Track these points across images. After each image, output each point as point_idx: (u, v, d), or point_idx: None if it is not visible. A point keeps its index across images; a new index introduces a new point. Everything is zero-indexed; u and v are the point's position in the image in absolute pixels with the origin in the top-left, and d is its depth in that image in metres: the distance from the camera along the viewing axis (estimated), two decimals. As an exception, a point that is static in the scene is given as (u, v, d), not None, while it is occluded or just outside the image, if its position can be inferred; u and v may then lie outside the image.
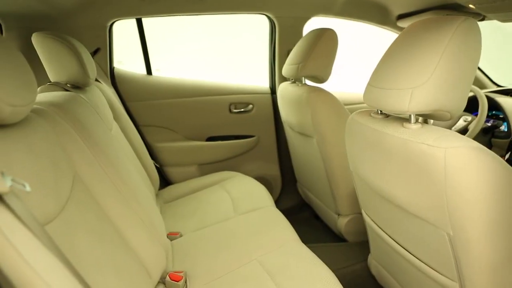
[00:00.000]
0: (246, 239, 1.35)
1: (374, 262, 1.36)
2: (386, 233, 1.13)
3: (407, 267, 1.06)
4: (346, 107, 1.59)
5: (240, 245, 1.32)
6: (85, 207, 0.91)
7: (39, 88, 1.29)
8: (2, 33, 1.51)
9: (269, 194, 1.74)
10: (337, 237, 1.82)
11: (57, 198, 0.79)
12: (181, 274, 1.20)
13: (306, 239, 1.42)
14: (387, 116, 1.01)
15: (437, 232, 0.85)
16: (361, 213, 1.32)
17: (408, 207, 0.90)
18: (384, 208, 1.06)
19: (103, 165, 1.08)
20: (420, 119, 0.93)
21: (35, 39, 1.34)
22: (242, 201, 1.66)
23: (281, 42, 2.08)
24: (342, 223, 1.65)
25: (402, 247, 1.05)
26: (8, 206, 0.54)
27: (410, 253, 1.02)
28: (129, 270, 0.96)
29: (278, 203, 2.31)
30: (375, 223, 1.20)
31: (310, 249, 1.28)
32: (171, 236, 1.49)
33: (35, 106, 0.97)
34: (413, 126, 0.87)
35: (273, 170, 2.29)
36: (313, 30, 1.64)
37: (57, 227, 0.75)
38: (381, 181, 0.98)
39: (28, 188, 0.58)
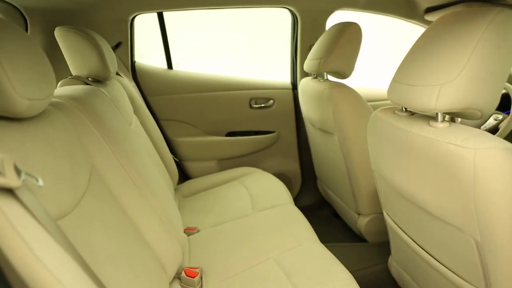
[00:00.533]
0: (263, 236, 1.33)
1: (394, 264, 1.31)
2: (408, 236, 1.09)
3: (430, 272, 1.02)
4: (369, 103, 1.54)
5: (257, 242, 1.31)
6: (102, 201, 0.91)
7: (60, 81, 1.30)
8: (27, 28, 1.53)
9: (288, 191, 1.72)
10: (357, 237, 1.77)
11: (74, 192, 0.79)
12: (197, 270, 1.19)
13: (324, 238, 1.39)
14: (412, 113, 0.96)
15: (463, 237, 0.81)
16: (382, 213, 1.27)
17: (433, 210, 0.86)
18: (407, 210, 1.01)
19: (120, 158, 1.08)
20: (447, 117, 0.88)
21: (58, 33, 1.35)
22: (260, 198, 1.65)
23: (303, 36, 2.04)
24: (362, 223, 1.61)
25: (425, 251, 1.00)
26: (20, 201, 0.53)
27: (434, 258, 0.97)
28: (144, 265, 0.95)
29: (297, 200, 2.28)
30: (396, 224, 1.15)
31: (329, 249, 1.25)
32: (188, 231, 1.49)
33: (54, 99, 0.97)
34: (440, 125, 0.82)
35: (293, 166, 2.26)
36: (337, 24, 1.59)
37: (72, 221, 0.74)
38: (404, 182, 0.94)
39: (41, 183, 0.58)
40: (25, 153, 0.67)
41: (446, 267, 0.93)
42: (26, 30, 1.53)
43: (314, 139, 1.88)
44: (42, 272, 0.52)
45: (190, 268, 1.20)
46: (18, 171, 0.55)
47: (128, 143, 1.18)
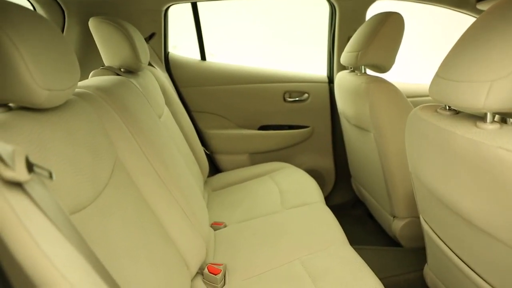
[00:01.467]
0: (291, 236, 1.28)
1: (431, 274, 1.22)
2: (447, 245, 1.00)
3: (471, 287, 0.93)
4: (409, 99, 1.44)
5: (284, 242, 1.26)
6: (123, 194, 0.89)
7: (92, 72, 1.31)
8: (64, 19, 1.56)
9: (320, 190, 1.65)
10: (391, 240, 1.68)
11: (94, 184, 0.78)
12: (221, 267, 1.17)
13: (356, 239, 1.32)
14: (456, 112, 0.87)
15: None
16: (419, 217, 1.18)
17: (477, 222, 0.77)
18: (447, 218, 0.92)
19: (146, 151, 1.07)
20: (497, 117, 0.78)
21: (92, 24, 1.36)
22: (290, 195, 1.60)
23: (341, 27, 1.95)
24: (397, 226, 1.52)
25: (466, 264, 0.91)
26: (29, 195, 0.52)
27: (476, 273, 0.88)
28: (165, 260, 0.94)
29: (330, 198, 2.20)
30: (434, 232, 1.06)
31: (360, 251, 1.18)
32: (215, 226, 1.47)
33: (81, 90, 0.97)
34: (489, 126, 0.73)
35: (327, 163, 2.18)
36: (377, 14, 1.50)
37: (90, 214, 0.73)
38: (445, 188, 0.85)
39: (53, 177, 0.56)
40: (44, 145, 0.66)
41: (491, 286, 0.84)
42: (64, 22, 1.56)
43: (349, 135, 1.79)
44: (48, 268, 0.51)
45: (213, 264, 1.18)
46: (29, 164, 0.54)
47: (155, 135, 1.16)
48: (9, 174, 0.49)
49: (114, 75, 1.32)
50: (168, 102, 1.76)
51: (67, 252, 0.53)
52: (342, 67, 1.98)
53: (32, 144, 0.63)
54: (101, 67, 1.33)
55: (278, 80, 2.07)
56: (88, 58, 1.64)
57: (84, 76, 1.31)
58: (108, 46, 1.37)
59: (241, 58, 2.17)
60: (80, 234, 0.58)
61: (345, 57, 1.62)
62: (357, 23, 1.88)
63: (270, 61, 2.16)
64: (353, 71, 1.67)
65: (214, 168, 2.15)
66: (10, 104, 0.70)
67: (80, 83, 1.05)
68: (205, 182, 1.90)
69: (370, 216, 1.99)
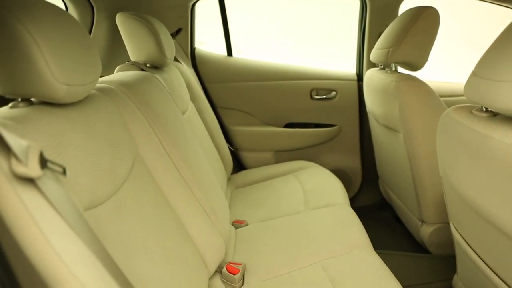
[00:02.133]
0: (313, 238, 1.25)
1: (460, 284, 1.15)
2: (478, 256, 0.93)
3: (504, 302, 0.86)
4: (442, 99, 1.36)
5: (305, 244, 1.23)
6: (142, 190, 0.89)
7: (117, 67, 1.32)
8: (93, 15, 1.58)
9: (345, 191, 1.60)
10: (419, 246, 1.61)
11: (111, 180, 0.77)
12: (240, 266, 1.15)
13: (381, 243, 1.26)
14: (494, 115, 0.80)
15: None
16: (449, 223, 1.12)
17: (513, 234, 0.71)
18: (480, 228, 0.86)
19: (167, 147, 1.06)
20: (541, 121, 0.72)
21: (119, 19, 1.37)
22: (314, 195, 1.56)
23: (372, 23, 1.88)
24: (425, 232, 1.45)
25: (501, 279, 0.85)
26: (41, 191, 0.52)
27: None
28: (182, 258, 0.93)
29: (355, 199, 2.14)
30: (465, 241, 1.00)
31: (384, 256, 1.13)
32: (237, 224, 1.46)
33: (104, 85, 0.97)
34: (530, 130, 0.67)
35: (354, 163, 2.12)
36: (410, 9, 1.42)
37: (107, 210, 0.73)
38: (478, 197, 0.79)
39: (66, 173, 0.56)
40: (61, 140, 0.66)
41: None
42: (93, 18, 1.58)
43: (377, 136, 1.73)
44: (58, 265, 0.50)
45: (232, 263, 1.17)
46: (43, 160, 0.53)
47: (177, 131, 1.16)
48: (21, 169, 0.49)
49: (139, 70, 1.32)
50: (193, 98, 1.76)
51: (78, 249, 0.53)
52: (372, 65, 1.91)
53: (50, 139, 0.63)
54: (126, 62, 1.34)
55: (305, 77, 2.03)
56: (115, 53, 1.66)
57: (111, 71, 1.32)
58: (134, 41, 1.38)
59: (267, 55, 2.14)
60: (93, 231, 0.57)
61: (375, 54, 1.55)
62: (389, 18, 1.81)
63: (297, 58, 2.12)
64: (383, 68, 1.61)
65: (238, 165, 2.14)
66: (32, 99, 0.70)
67: (104, 78, 1.05)
68: (229, 179, 1.89)
69: (398, 220, 1.92)
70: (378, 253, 1.16)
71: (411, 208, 1.55)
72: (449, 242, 1.24)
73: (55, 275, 0.50)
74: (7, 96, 0.67)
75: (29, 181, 0.51)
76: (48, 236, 0.50)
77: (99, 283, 0.54)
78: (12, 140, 0.50)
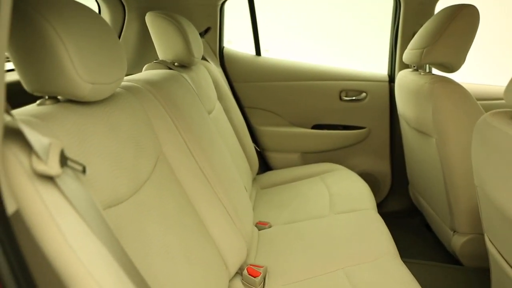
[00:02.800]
0: (337, 243, 1.22)
1: (495, 300, 1.08)
2: (516, 272, 0.87)
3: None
4: (479, 103, 1.29)
5: (328, 249, 1.20)
6: (164, 190, 0.89)
7: (145, 65, 1.34)
8: (125, 14, 1.61)
9: (372, 196, 1.55)
10: (450, 257, 1.53)
11: (133, 179, 0.78)
12: (261, 269, 1.13)
13: (409, 252, 1.21)
14: None
15: None
16: (483, 234, 1.06)
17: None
18: (517, 242, 0.81)
19: (192, 147, 1.06)
20: None
21: (148, 18, 1.39)
22: (340, 199, 1.52)
23: (405, 22, 1.81)
24: (457, 243, 1.38)
25: None
26: (60, 189, 0.52)
27: None
28: (203, 258, 0.92)
29: (384, 204, 2.08)
30: (501, 254, 0.94)
31: (412, 266, 1.08)
32: (260, 225, 1.44)
33: (130, 83, 0.98)
34: None
35: (383, 167, 2.05)
36: (448, 7, 1.36)
37: (128, 209, 0.73)
38: (515, 208, 0.74)
39: (86, 172, 0.56)
40: (84, 138, 0.67)
41: None
42: (124, 17, 1.61)
43: (409, 139, 1.66)
44: (74, 263, 0.51)
45: (254, 266, 1.15)
46: (63, 158, 0.54)
47: (202, 130, 1.16)
48: (41, 167, 0.50)
49: (166, 69, 1.33)
50: (220, 97, 1.76)
51: (94, 248, 0.53)
52: (405, 66, 1.84)
53: (72, 137, 0.64)
54: (154, 61, 1.36)
55: (334, 77, 1.99)
56: (145, 52, 1.68)
57: (141, 69, 1.34)
58: (162, 40, 1.39)
59: (296, 54, 2.11)
60: (111, 230, 0.57)
61: (408, 54, 1.49)
62: (424, 17, 1.74)
63: (326, 58, 2.08)
64: (416, 70, 1.54)
65: (265, 166, 2.12)
66: (59, 97, 0.72)
67: (130, 77, 1.07)
68: (254, 180, 1.88)
69: (428, 228, 1.84)
70: (405, 262, 1.11)
71: (442, 217, 1.48)
72: (483, 255, 1.18)
73: (71, 273, 0.51)
74: (35, 93, 0.69)
75: (49, 179, 0.52)
76: (66, 234, 0.51)
77: (115, 282, 0.54)
78: (34, 137, 0.51)
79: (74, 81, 0.65)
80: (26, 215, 0.49)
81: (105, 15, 1.61)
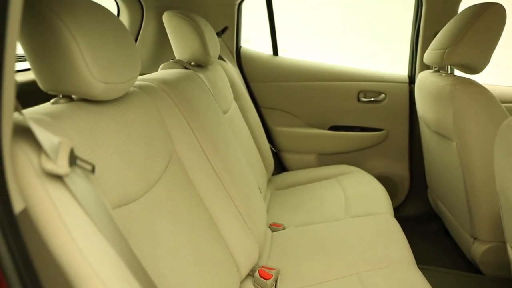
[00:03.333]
0: (351, 248, 1.19)
1: (516, 312, 1.04)
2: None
3: None
4: (504, 105, 1.24)
5: (342, 253, 1.17)
6: (176, 190, 0.89)
7: (161, 65, 1.34)
8: (143, 14, 1.62)
9: (389, 199, 1.51)
10: (469, 265, 1.48)
11: (145, 178, 0.78)
12: (273, 272, 1.12)
13: (426, 258, 1.17)
14: None
15: None
16: (505, 242, 1.01)
17: None
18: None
19: (205, 147, 1.06)
20: None
21: (165, 18, 1.39)
22: (356, 202, 1.49)
23: (427, 22, 1.76)
24: (478, 250, 1.33)
25: None
26: (68, 188, 0.52)
27: None
28: (213, 260, 0.92)
29: (402, 208, 2.03)
30: (524, 265, 0.90)
31: (428, 273, 1.05)
32: (274, 227, 1.43)
33: (144, 82, 0.98)
34: None
35: (401, 170, 2.00)
36: (472, 6, 1.31)
37: (138, 208, 0.73)
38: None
39: (95, 171, 0.56)
40: (96, 137, 0.67)
41: None
42: (142, 16, 1.63)
43: (428, 142, 1.62)
44: (80, 262, 0.51)
45: (266, 268, 1.14)
46: (73, 157, 0.54)
47: (217, 130, 1.15)
48: (49, 166, 0.50)
49: (182, 68, 1.33)
50: (236, 97, 1.75)
51: (102, 248, 0.53)
52: (426, 67, 1.79)
53: (84, 136, 0.64)
54: (170, 60, 1.36)
55: (352, 78, 1.95)
56: (163, 51, 1.69)
57: (158, 69, 1.35)
58: (179, 39, 1.40)
59: (314, 54, 2.08)
60: (120, 230, 0.57)
61: (429, 55, 1.45)
62: (447, 16, 1.68)
63: (345, 58, 2.04)
64: (437, 71, 1.50)
65: (280, 166, 2.11)
66: (73, 96, 0.72)
67: (145, 76, 1.07)
68: (269, 180, 1.87)
69: (447, 233, 1.78)
70: (422, 269, 1.08)
71: (462, 223, 1.43)
72: (505, 263, 1.13)
73: (77, 272, 0.51)
74: (50, 92, 0.70)
75: (58, 177, 0.52)
76: (73, 233, 0.51)
77: (121, 283, 0.53)
78: (44, 136, 0.51)
79: (87, 80, 0.65)
80: (34, 214, 0.49)
81: (124, 15, 1.62)
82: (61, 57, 0.64)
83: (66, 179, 0.52)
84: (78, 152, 0.61)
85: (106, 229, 0.55)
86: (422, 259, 1.15)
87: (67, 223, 0.51)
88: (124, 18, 1.64)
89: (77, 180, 0.54)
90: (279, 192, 1.77)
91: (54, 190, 0.51)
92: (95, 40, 0.67)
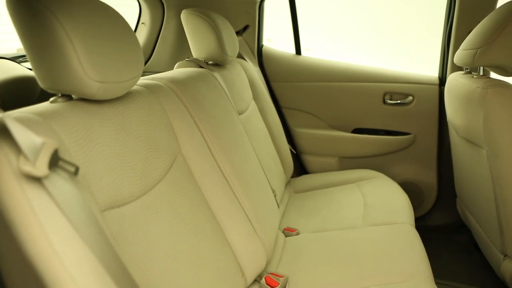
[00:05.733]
0: (365, 258, 1.13)
1: None
2: None
3: None
4: None
5: (355, 264, 1.11)
6: (178, 192, 0.87)
7: (176, 63, 1.33)
8: (164, 12, 1.62)
9: (411, 208, 1.43)
10: (499, 283, 1.37)
11: (142, 180, 0.76)
12: (281, 279, 1.08)
13: (452, 272, 1.09)
14: None
15: None
16: None
17: None
18: None
19: (213, 148, 1.03)
20: None
21: (183, 16, 1.38)
22: (375, 210, 1.42)
23: (460, 20, 1.64)
24: (508, 268, 1.22)
25: None
26: (47, 190, 0.51)
27: None
28: (215, 265, 0.89)
29: (428, 217, 1.92)
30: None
31: None
32: (287, 231, 1.39)
33: (152, 81, 0.97)
34: None
35: (429, 177, 1.90)
36: (508, 3, 1.20)
37: (132, 210, 0.71)
38: None
39: (77, 173, 0.55)
40: (89, 136, 0.66)
41: None
42: (163, 15, 1.63)
43: (457, 149, 1.51)
44: (57, 266, 0.49)
45: (274, 274, 1.10)
46: (55, 159, 0.52)
47: (227, 132, 1.12)
48: (26, 168, 0.48)
49: (197, 67, 1.31)
50: (256, 97, 1.72)
51: (80, 252, 0.51)
52: (458, 68, 1.68)
53: (75, 136, 0.63)
54: (186, 59, 1.34)
55: (378, 79, 1.87)
56: (183, 50, 1.68)
57: (175, 67, 1.34)
58: (196, 38, 1.38)
59: (338, 54, 2.01)
60: (104, 233, 0.55)
61: (460, 55, 1.35)
62: (482, 14, 1.56)
63: (370, 58, 1.96)
64: (469, 72, 1.40)
65: (300, 169, 2.06)
66: (73, 95, 0.71)
67: (156, 75, 1.06)
68: (288, 183, 1.82)
69: (477, 247, 1.67)
70: (442, 285, 1.00)
71: (492, 238, 1.32)
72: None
73: (53, 277, 0.49)
74: (49, 91, 0.69)
75: (37, 179, 0.51)
76: (50, 237, 0.49)
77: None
78: (24, 137, 0.50)
79: (81, 79, 0.64)
80: (9, 215, 0.48)
81: (145, 14, 1.63)
82: (56, 56, 0.63)
83: (45, 181, 0.50)
84: (68, 152, 0.60)
85: (87, 233, 0.53)
86: (446, 273, 1.08)
87: (44, 227, 0.49)
88: (146, 17, 1.65)
89: (58, 182, 0.52)
90: (297, 196, 1.73)
91: (32, 192, 0.50)
92: (91, 38, 0.65)
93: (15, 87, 1.26)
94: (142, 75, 0.95)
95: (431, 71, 1.86)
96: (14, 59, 1.36)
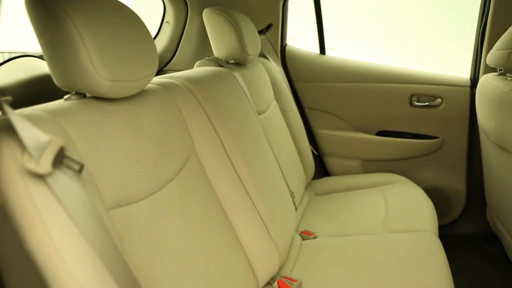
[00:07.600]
0: (382, 267, 1.09)
1: None
2: None
3: None
4: None
5: (372, 272, 1.07)
6: (190, 191, 0.86)
7: (196, 62, 1.33)
8: (187, 11, 1.63)
9: (435, 216, 1.37)
10: (530, 299, 1.29)
11: (152, 179, 0.76)
12: (294, 284, 1.06)
13: (478, 284, 1.03)
14: None
15: None
16: None
17: None
18: None
19: (229, 148, 1.02)
20: None
21: (205, 15, 1.38)
22: (396, 216, 1.37)
23: (496, 18, 1.55)
24: (539, 284, 1.15)
25: None
26: (50, 187, 0.51)
27: None
28: (225, 266, 0.88)
29: (456, 225, 1.84)
30: None
31: None
32: (304, 234, 1.36)
33: (169, 80, 0.97)
34: None
35: (457, 183, 1.81)
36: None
37: (139, 209, 0.71)
38: None
39: (82, 171, 0.55)
40: (99, 135, 0.66)
41: None
42: (187, 14, 1.63)
43: (488, 155, 1.44)
44: (57, 264, 0.49)
45: (287, 278, 1.08)
46: (60, 156, 0.53)
47: (244, 131, 1.11)
48: (30, 165, 0.49)
49: (217, 66, 1.31)
50: (278, 97, 1.70)
51: (81, 250, 0.52)
52: (491, 69, 1.60)
53: (84, 134, 0.64)
54: (206, 58, 1.34)
55: (405, 80, 1.80)
56: (206, 49, 1.69)
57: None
58: (217, 36, 1.38)
59: (364, 54, 1.96)
60: (108, 232, 0.55)
61: (493, 55, 1.28)
62: (520, 12, 1.48)
63: (397, 58, 1.90)
64: (503, 74, 1.32)
65: (322, 171, 2.02)
66: (86, 93, 0.72)
67: (173, 74, 1.06)
68: (309, 185, 1.79)
69: (508, 259, 1.58)
70: None
71: (523, 250, 1.25)
72: None
73: (53, 273, 0.50)
74: (63, 89, 0.70)
75: (41, 176, 0.51)
76: (52, 233, 0.50)
77: (98, 286, 0.52)
78: (30, 134, 0.50)
79: (92, 78, 0.65)
80: (12, 210, 0.49)
81: (169, 13, 1.64)
82: (69, 54, 0.64)
83: (48, 178, 0.51)
84: (75, 149, 0.60)
85: (90, 231, 0.53)
86: (473, 285, 1.02)
87: (46, 223, 0.50)
88: (170, 16, 1.66)
89: (62, 180, 0.52)
90: (318, 198, 1.69)
91: (35, 189, 0.50)
92: (104, 37, 0.66)
93: (44, 85, 1.30)
94: (165, 73, 0.95)
95: (462, 74, 1.78)
96: (42, 57, 1.41)
